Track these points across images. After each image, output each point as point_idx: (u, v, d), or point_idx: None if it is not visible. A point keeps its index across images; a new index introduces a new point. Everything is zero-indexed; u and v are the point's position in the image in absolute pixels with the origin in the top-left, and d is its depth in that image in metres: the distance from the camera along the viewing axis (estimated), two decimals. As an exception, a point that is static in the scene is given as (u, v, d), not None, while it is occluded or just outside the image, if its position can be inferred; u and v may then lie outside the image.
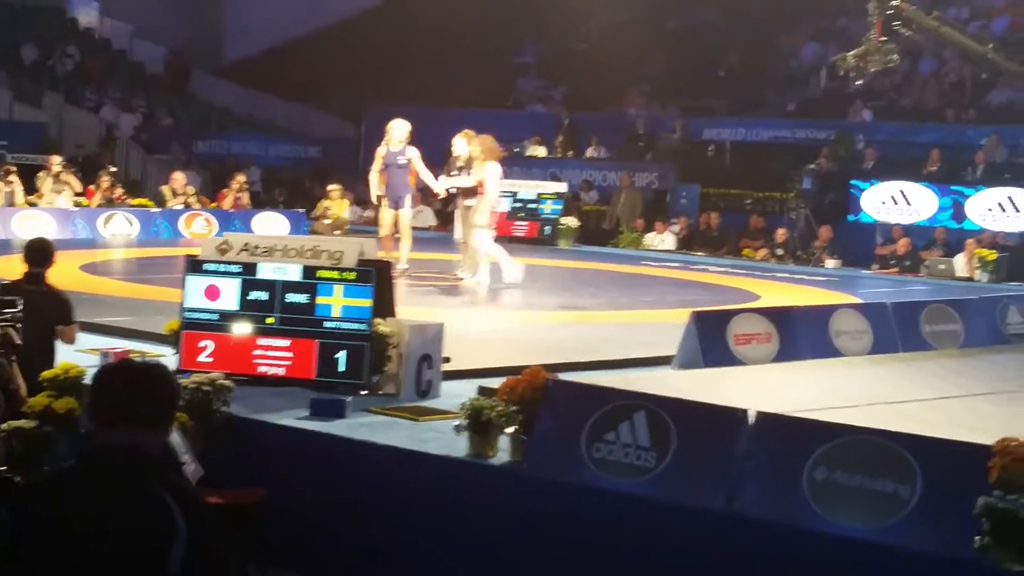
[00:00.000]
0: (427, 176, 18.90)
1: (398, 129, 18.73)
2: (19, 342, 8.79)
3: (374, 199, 19.16)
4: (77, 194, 26.01)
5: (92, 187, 26.29)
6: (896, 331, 13.83)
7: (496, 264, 18.21)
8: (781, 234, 26.06)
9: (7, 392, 8.65)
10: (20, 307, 9.40)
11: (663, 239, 27.33)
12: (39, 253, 10.14)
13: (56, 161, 26.32)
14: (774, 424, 7.82)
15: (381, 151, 18.79)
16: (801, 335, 13.04)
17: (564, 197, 27.60)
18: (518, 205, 27.23)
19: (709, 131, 31.95)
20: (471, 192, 18.33)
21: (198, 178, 29.70)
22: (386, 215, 18.86)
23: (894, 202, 26.37)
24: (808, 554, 7.27)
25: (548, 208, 27.12)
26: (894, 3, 27.11)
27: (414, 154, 18.68)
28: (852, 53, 27.63)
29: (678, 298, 17.76)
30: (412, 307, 13.18)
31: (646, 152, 32.03)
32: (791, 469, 7.43)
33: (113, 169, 27.48)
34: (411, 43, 37.12)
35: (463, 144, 18.58)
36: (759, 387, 10.60)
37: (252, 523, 8.59)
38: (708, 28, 37.22)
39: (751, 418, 7.80)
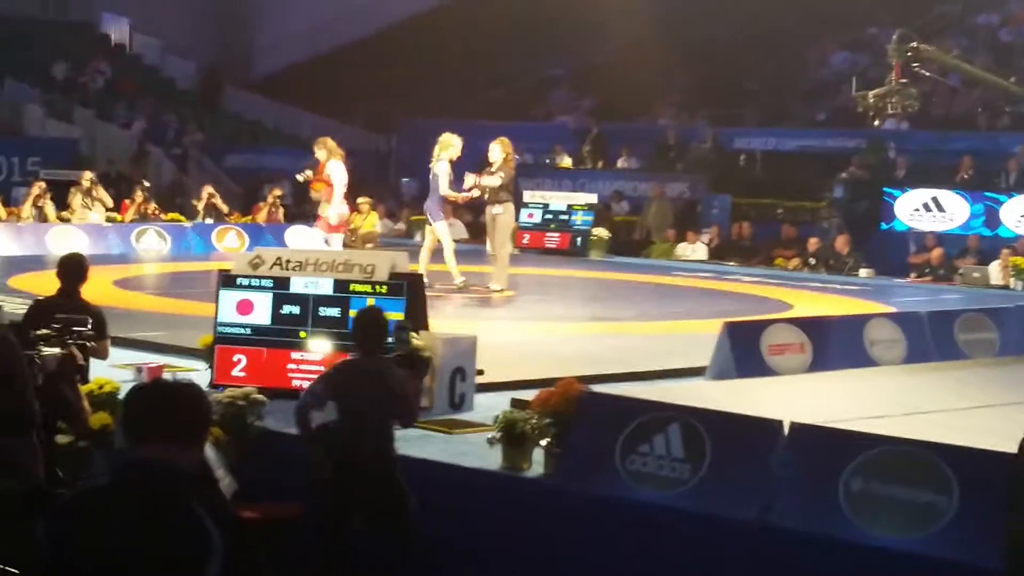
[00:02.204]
0: (444, 190, 18.52)
1: (450, 143, 18.57)
2: (83, 362, 8.71)
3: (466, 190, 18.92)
4: (109, 209, 26.11)
5: (128, 201, 26.38)
6: (931, 340, 13.77)
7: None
8: (813, 243, 25.96)
9: (70, 414, 8.51)
10: (89, 326, 9.43)
11: (694, 249, 27.27)
12: (73, 269, 10.13)
13: (87, 177, 26.44)
14: (809, 435, 7.79)
15: (444, 167, 18.50)
16: (835, 345, 12.99)
17: (595, 208, 27.56)
18: (549, 216, 27.21)
19: (740, 141, 31.87)
20: (497, 200, 18.36)
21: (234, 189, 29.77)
22: (428, 233, 18.72)
23: (927, 209, 26.26)
24: (844, 565, 7.24)
25: (579, 219, 27.08)
26: (913, 44, 26.99)
27: (442, 170, 18.41)
28: (873, 92, 27.49)
29: (710, 308, 17.71)
30: (445, 319, 13.17)
31: (677, 162, 31.97)
32: (827, 480, 7.40)
33: (147, 184, 27.58)
34: (442, 56, 37.17)
35: (497, 150, 18.58)
36: (793, 397, 10.56)
37: (288, 538, 8.58)
38: (737, 38, 37.16)
39: (786, 429, 7.78)
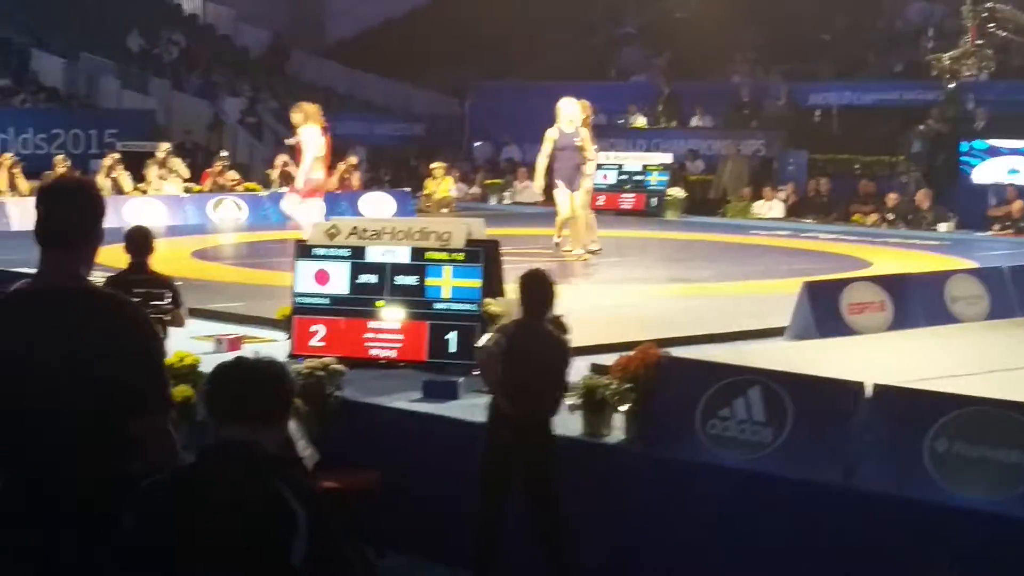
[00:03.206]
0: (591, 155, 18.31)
1: (567, 109, 18.10)
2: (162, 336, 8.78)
3: (537, 188, 18.79)
4: (185, 180, 26.27)
5: (208, 171, 26.53)
6: (1014, 296, 13.57)
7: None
8: (892, 199, 25.69)
9: None
10: (168, 299, 9.51)
11: (771, 207, 27.07)
12: (140, 241, 10.20)
13: (163, 148, 26.61)
14: (892, 396, 7.70)
15: (552, 133, 18.11)
16: (916, 302, 12.84)
17: (670, 168, 27.42)
18: (624, 178, 27.08)
19: (815, 96, 31.55)
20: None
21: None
22: (563, 197, 18.15)
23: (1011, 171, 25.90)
24: (930, 527, 7.17)
25: (654, 180, 26.95)
26: (988, 5, 26.58)
27: (585, 136, 18.07)
28: (948, 55, 27.16)
29: (789, 267, 17.59)
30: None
31: (751, 120, 31.73)
32: (911, 442, 7.33)
33: (225, 154, 27.72)
34: (512, 18, 37.04)
35: (577, 111, 18.44)
36: (874, 357, 10.45)
37: (368, 506, 8.63)
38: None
39: (868, 391, 7.70)
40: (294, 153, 19.33)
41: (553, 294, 8.38)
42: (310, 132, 18.23)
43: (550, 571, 8.09)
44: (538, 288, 8.34)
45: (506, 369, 8.08)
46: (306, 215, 18.07)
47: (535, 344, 8.13)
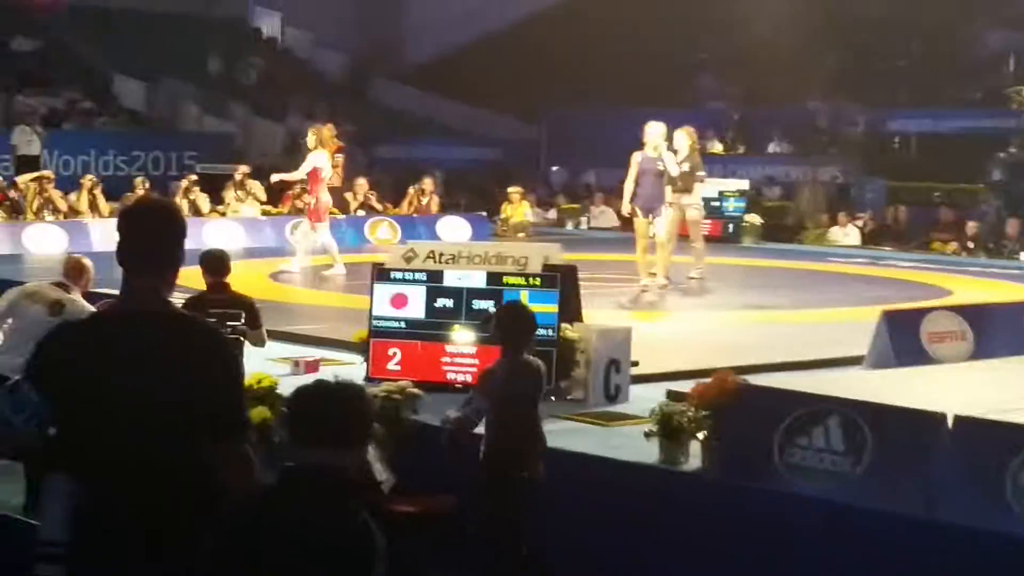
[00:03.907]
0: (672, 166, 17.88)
1: (653, 133, 17.65)
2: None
3: (625, 210, 18.31)
4: (262, 203, 26.44)
5: (289, 193, 26.70)
6: (1097, 326, 13.38)
7: None
8: (971, 227, 25.45)
9: None
10: (242, 320, 9.58)
11: (847, 233, 26.89)
12: (217, 263, 10.29)
13: (241, 170, 26.82)
14: (974, 427, 7.61)
15: (636, 157, 17.63)
16: (998, 332, 12.67)
17: (746, 194, 27.29)
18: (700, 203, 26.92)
19: (893, 123, 31.37)
20: (684, 189, 18.09)
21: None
22: (641, 225, 17.67)
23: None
24: (1012, 560, 7.06)
25: (731, 206, 26.83)
26: None
27: (669, 160, 17.71)
28: None
29: (866, 295, 17.43)
30: (598, 311, 13.11)
31: (828, 146, 31.57)
32: (993, 474, 7.23)
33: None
34: (588, 43, 37.07)
35: (682, 138, 18.32)
36: (955, 387, 10.33)
37: (443, 531, 8.61)
38: (888, 18, 36.53)
39: (950, 422, 7.61)
40: (307, 179, 19.71)
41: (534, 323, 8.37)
42: (318, 157, 18.55)
43: None
44: (522, 320, 8.30)
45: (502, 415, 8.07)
46: (304, 238, 18.42)
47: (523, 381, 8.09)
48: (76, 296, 10.36)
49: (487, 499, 8.01)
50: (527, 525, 8.04)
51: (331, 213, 20.59)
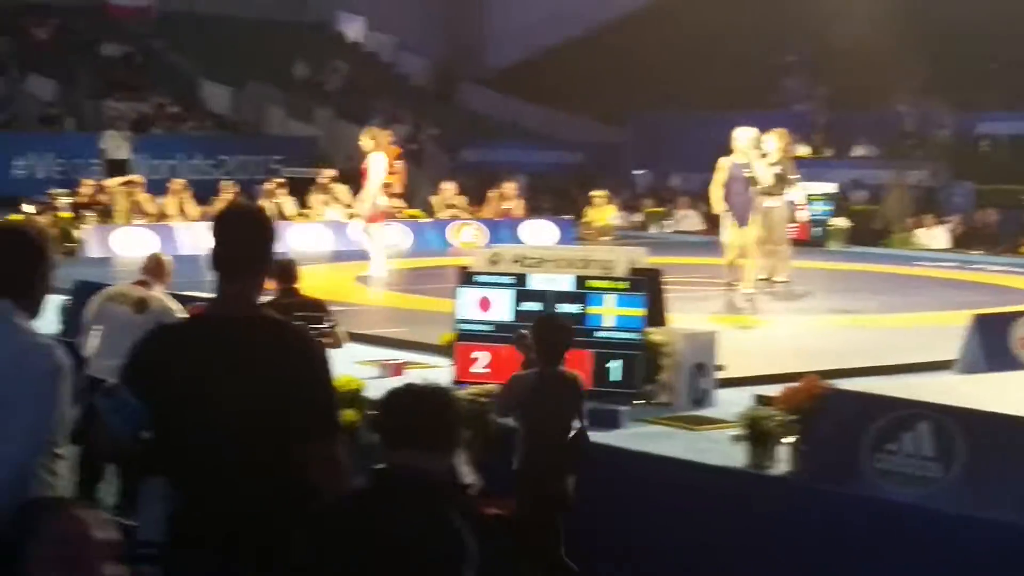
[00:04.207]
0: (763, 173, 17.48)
1: (742, 139, 17.16)
2: None
3: (719, 208, 17.73)
4: (347, 206, 26.56)
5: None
6: None
7: None
8: (1062, 231, 25.14)
9: None
10: (328, 322, 9.64)
11: (934, 236, 26.64)
12: (287, 271, 10.41)
13: (327, 174, 26.98)
14: (1068, 433, 7.51)
15: (725, 163, 17.18)
16: (1089, 337, 12.50)
17: (833, 197, 27.10)
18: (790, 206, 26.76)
19: (982, 126, 31.02)
20: (773, 192, 17.88)
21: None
22: (731, 233, 17.29)
23: None
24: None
25: (818, 209, 26.64)
26: None
27: (760, 167, 17.27)
28: None
29: (955, 299, 17.24)
30: (684, 314, 13.05)
31: (916, 149, 31.29)
32: (1087, 480, 7.14)
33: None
34: (673, 46, 36.98)
35: (773, 142, 18.18)
36: (1047, 393, 10.19)
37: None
38: (977, 20, 36.14)
39: (1043, 427, 7.52)
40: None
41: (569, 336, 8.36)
42: (377, 159, 18.57)
43: None
44: (558, 333, 8.29)
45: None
46: (371, 241, 18.40)
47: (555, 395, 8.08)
48: (158, 293, 10.51)
49: (521, 515, 7.97)
50: (562, 544, 8.02)
51: (389, 216, 20.64)
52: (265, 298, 9.83)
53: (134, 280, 10.70)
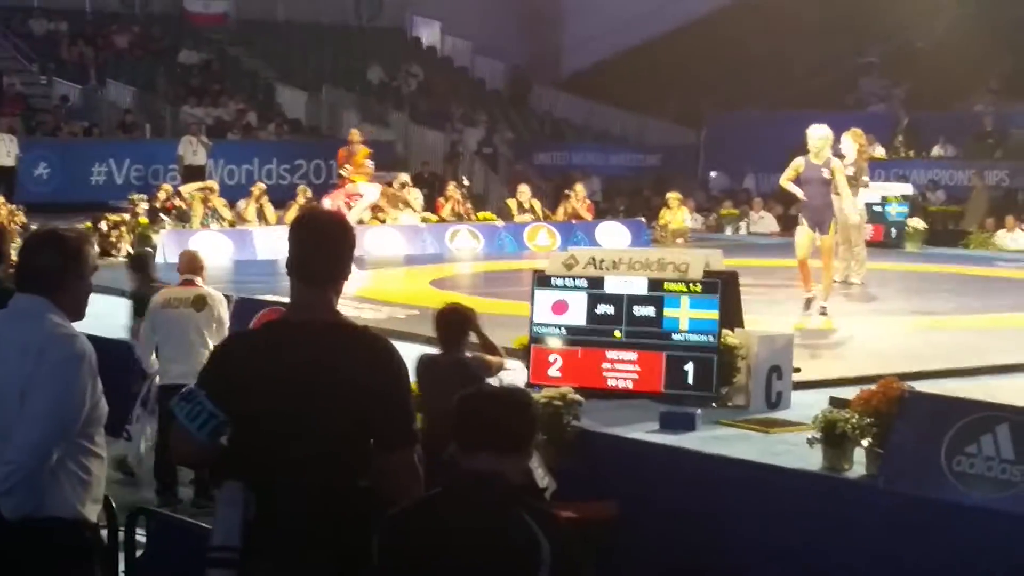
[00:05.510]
0: (845, 194, 16.62)
1: (817, 138, 15.89)
2: None
3: (794, 190, 16.23)
4: (419, 211, 26.62)
5: (441, 199, 26.86)
6: None
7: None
8: None
9: None
10: None
11: (1014, 238, 26.34)
12: None
13: (401, 178, 27.05)
14: None
15: (799, 162, 15.88)
16: None
17: (910, 199, 26.85)
18: (862, 208, 26.57)
19: (1063, 125, 30.70)
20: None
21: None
22: (803, 237, 15.89)
23: None
24: None
25: (894, 211, 26.40)
26: None
27: (837, 166, 16.10)
28: None
29: (1036, 301, 17.07)
30: (759, 317, 13.00)
31: (995, 149, 30.97)
32: None
33: (467, 183, 28.05)
34: (750, 46, 36.85)
35: (848, 142, 17.96)
36: None
37: (605, 537, 8.61)
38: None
39: (1125, 430, 7.42)
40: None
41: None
42: (368, 186, 18.81)
43: None
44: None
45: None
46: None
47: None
48: (205, 286, 10.97)
49: None
50: None
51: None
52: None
53: (179, 282, 10.97)
